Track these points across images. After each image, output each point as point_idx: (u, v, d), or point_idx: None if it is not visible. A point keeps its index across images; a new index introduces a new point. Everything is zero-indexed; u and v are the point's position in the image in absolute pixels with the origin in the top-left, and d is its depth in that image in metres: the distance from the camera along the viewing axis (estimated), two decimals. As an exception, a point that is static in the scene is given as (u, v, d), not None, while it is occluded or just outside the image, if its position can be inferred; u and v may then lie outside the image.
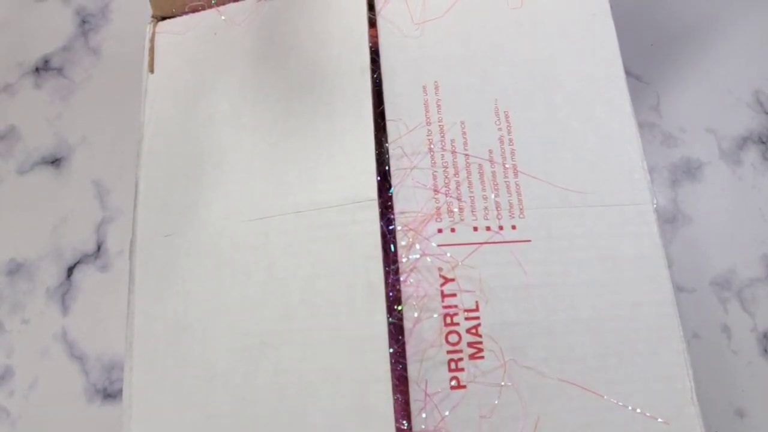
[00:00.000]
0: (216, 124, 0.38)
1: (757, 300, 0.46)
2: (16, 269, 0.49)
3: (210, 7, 0.41)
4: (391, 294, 0.32)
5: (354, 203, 0.33)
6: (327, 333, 0.32)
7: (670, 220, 0.48)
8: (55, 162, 0.52)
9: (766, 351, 0.45)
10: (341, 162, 0.35)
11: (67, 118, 0.54)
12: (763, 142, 0.50)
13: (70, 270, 0.49)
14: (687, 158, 0.50)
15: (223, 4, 0.41)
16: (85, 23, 0.57)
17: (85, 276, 0.49)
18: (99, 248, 0.49)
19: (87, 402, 0.45)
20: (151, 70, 0.41)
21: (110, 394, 0.45)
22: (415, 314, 0.32)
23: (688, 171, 0.50)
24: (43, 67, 0.56)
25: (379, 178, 0.34)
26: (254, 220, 0.35)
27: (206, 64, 0.40)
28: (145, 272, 0.36)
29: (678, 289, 0.46)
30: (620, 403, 0.30)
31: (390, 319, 0.32)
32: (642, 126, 0.36)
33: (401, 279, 0.32)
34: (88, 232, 0.50)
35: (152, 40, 0.41)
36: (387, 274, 0.32)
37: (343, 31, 0.38)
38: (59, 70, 0.55)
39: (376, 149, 0.35)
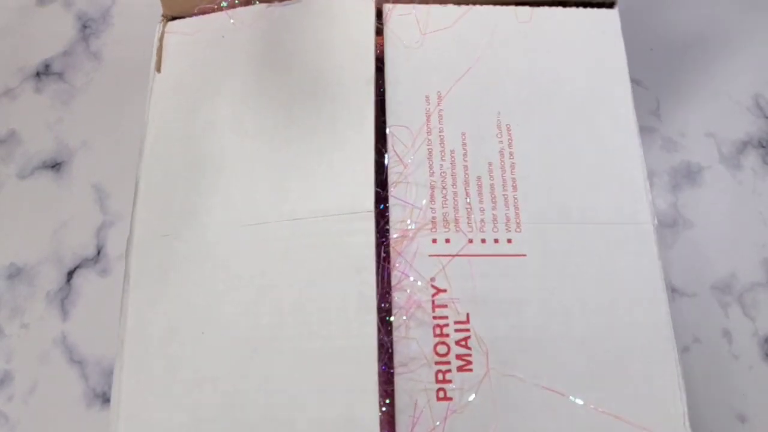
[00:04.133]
0: (218, 127, 0.38)
1: (758, 304, 0.46)
2: (15, 273, 0.49)
3: (220, 9, 0.41)
4: (382, 302, 0.32)
5: (351, 213, 0.33)
6: (317, 342, 0.31)
7: (670, 224, 0.48)
8: (55, 166, 0.52)
9: (767, 355, 0.44)
10: (341, 171, 0.35)
11: (68, 122, 0.54)
12: (763, 147, 0.50)
13: (70, 274, 0.49)
14: (687, 162, 0.50)
15: (233, 7, 0.41)
16: (86, 28, 0.57)
17: (85, 280, 0.49)
18: (99, 252, 0.49)
19: (86, 407, 0.45)
20: (158, 70, 0.41)
21: (110, 398, 0.45)
22: (405, 323, 0.31)
23: (688, 175, 0.50)
24: (43, 72, 0.56)
25: (377, 187, 0.34)
26: (252, 225, 0.35)
27: (212, 67, 0.40)
28: (141, 272, 0.36)
29: (679, 293, 0.46)
30: (612, 421, 0.30)
31: (380, 328, 0.31)
32: (642, 130, 0.36)
33: (393, 287, 0.32)
34: (88, 236, 0.50)
35: (161, 40, 0.41)
36: (380, 282, 0.32)
37: (350, 42, 0.38)
38: (60, 75, 0.55)
39: (375, 157, 0.35)
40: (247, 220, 0.35)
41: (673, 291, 0.46)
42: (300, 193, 0.35)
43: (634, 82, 0.51)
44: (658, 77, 0.52)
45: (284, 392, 0.31)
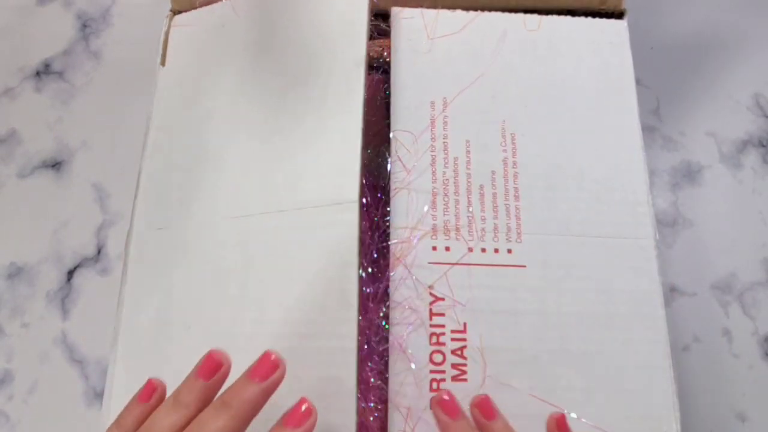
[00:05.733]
0: (215, 118, 0.38)
1: (758, 304, 0.46)
2: (16, 273, 0.49)
3: None
4: (380, 308, 0.32)
5: (335, 204, 0.32)
6: (296, 341, 0.31)
7: (670, 223, 0.48)
8: (55, 166, 0.52)
9: (767, 354, 0.44)
10: (326, 161, 0.34)
11: (68, 122, 0.54)
12: (763, 146, 0.50)
13: (70, 274, 0.49)
14: (687, 162, 0.50)
15: None
16: (86, 27, 0.57)
17: (85, 280, 0.49)
18: (99, 252, 0.49)
19: (86, 406, 0.45)
20: (163, 63, 0.41)
21: (110, 398, 0.45)
22: (401, 330, 0.31)
23: (688, 174, 0.50)
24: (44, 71, 0.56)
25: (380, 194, 0.34)
26: (238, 217, 0.34)
27: (212, 57, 0.39)
28: (137, 265, 0.36)
29: (679, 292, 0.46)
30: None
31: (375, 335, 0.31)
32: (642, 130, 0.36)
33: (390, 293, 0.32)
34: (88, 235, 0.50)
35: (167, 33, 0.41)
36: (378, 289, 0.32)
37: (343, 21, 0.37)
38: (60, 74, 0.55)
39: (377, 160, 0.35)
40: (232, 213, 0.34)
41: (673, 290, 0.46)
42: (286, 184, 0.34)
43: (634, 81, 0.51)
44: (658, 77, 0.52)
45: None
